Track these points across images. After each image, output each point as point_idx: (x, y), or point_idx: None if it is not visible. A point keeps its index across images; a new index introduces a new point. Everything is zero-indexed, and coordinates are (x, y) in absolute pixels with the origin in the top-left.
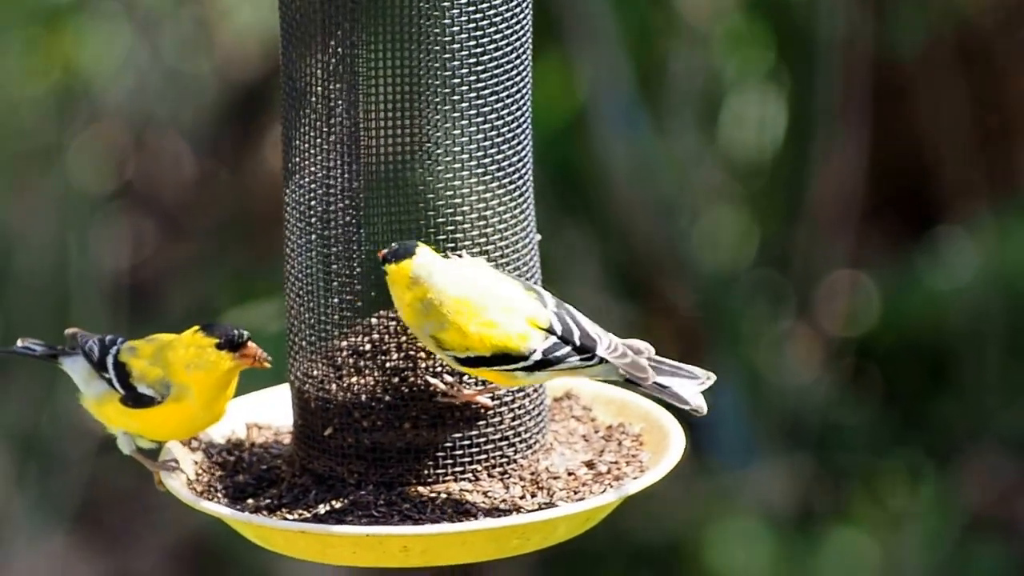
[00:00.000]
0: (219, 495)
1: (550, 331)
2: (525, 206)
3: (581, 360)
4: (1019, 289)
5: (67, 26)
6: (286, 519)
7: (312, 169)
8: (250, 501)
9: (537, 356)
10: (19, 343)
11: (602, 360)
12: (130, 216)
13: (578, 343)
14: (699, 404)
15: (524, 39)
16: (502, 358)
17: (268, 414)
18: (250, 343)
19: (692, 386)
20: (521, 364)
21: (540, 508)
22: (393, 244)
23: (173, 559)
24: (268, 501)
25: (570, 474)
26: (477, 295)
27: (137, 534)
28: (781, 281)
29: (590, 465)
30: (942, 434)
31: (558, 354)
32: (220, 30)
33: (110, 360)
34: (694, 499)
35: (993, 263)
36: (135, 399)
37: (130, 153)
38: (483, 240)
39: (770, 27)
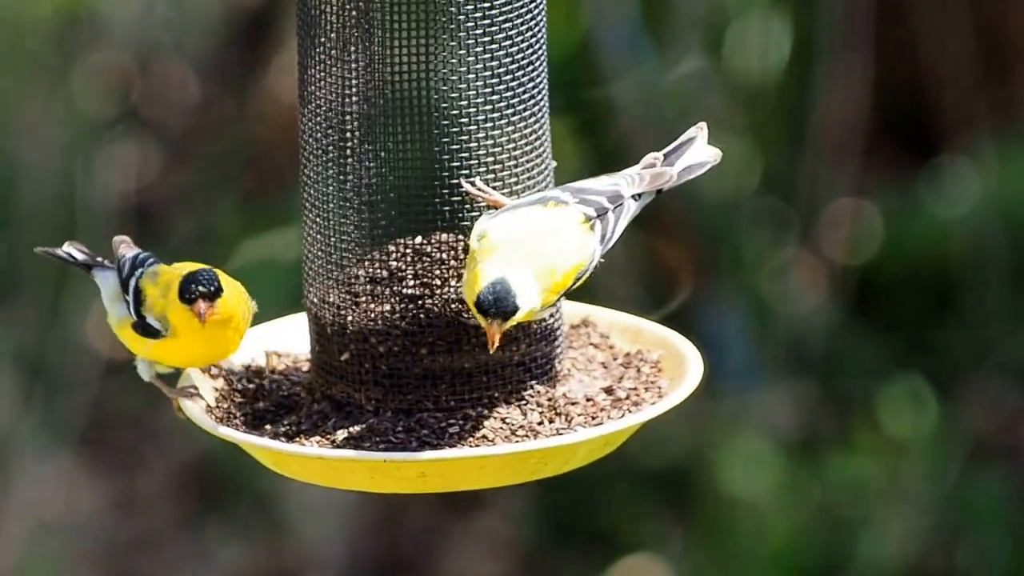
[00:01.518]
0: (238, 421)
1: (587, 218)
2: (541, 132)
3: (615, 212)
4: (1021, 217)
5: None
6: (304, 445)
7: (327, 97)
8: (268, 427)
9: (598, 251)
10: (65, 246)
11: (632, 196)
12: (135, 141)
13: (608, 205)
14: (716, 153)
15: None
16: (580, 277)
17: (288, 341)
18: (199, 302)
19: (700, 146)
20: (592, 265)
21: (558, 433)
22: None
23: (179, 482)
24: (287, 428)
25: (588, 400)
26: (542, 258)
27: (143, 456)
28: (784, 209)
29: (609, 391)
30: (945, 361)
31: (609, 231)
32: None
33: (132, 283)
34: (699, 423)
35: (995, 192)
36: (144, 328)
37: (135, 78)
38: (498, 167)
39: None
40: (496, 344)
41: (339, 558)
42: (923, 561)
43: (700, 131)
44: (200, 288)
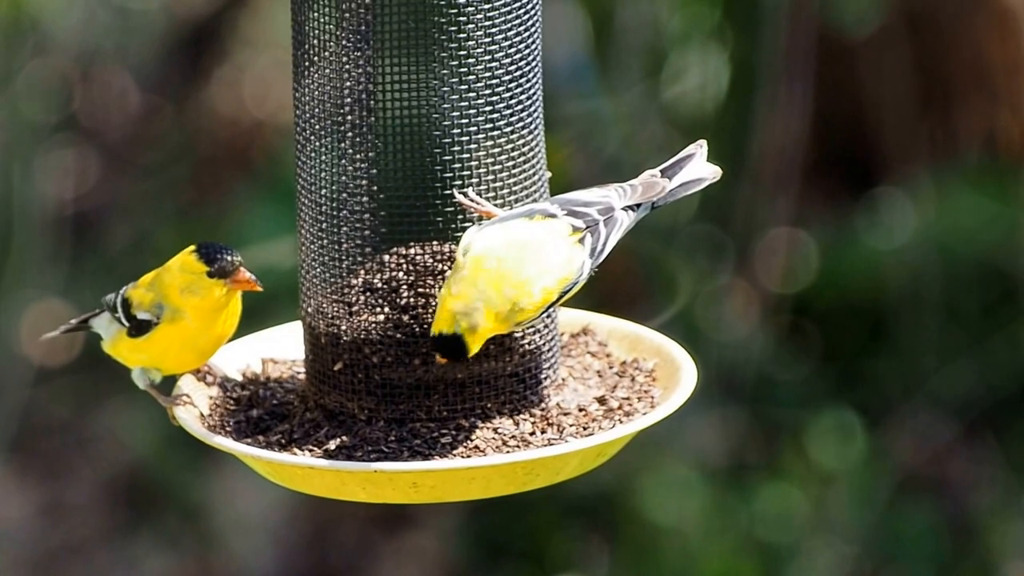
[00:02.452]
0: (231, 430)
1: (576, 230)
2: (535, 144)
3: (606, 225)
4: (956, 251)
5: None
6: (296, 454)
7: (323, 108)
8: (261, 436)
9: (588, 264)
10: (60, 328)
11: (624, 209)
12: (75, 148)
13: (598, 217)
14: (714, 171)
15: None
16: (567, 291)
17: (283, 349)
18: (241, 269)
19: (699, 163)
20: (582, 278)
21: (549, 444)
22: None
23: (108, 491)
24: (279, 436)
25: (581, 410)
26: (519, 274)
27: (72, 464)
28: (721, 236)
29: (602, 401)
30: (877, 392)
31: (599, 244)
32: None
33: (119, 300)
34: (628, 448)
35: (931, 225)
36: (137, 327)
37: (76, 86)
38: (491, 178)
39: None
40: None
41: (268, 571)
42: None
43: (700, 148)
44: (235, 258)
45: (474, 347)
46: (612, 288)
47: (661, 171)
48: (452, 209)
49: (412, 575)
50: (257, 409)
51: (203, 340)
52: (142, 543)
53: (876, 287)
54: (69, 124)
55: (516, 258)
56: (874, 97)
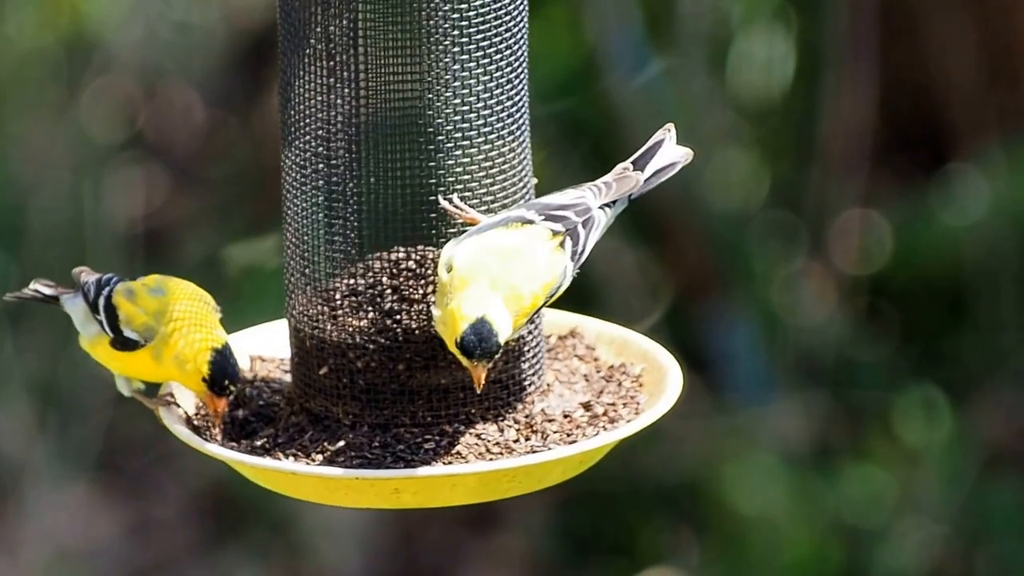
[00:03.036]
0: (216, 431)
1: (555, 234)
2: (521, 150)
3: (585, 227)
4: None
5: None
6: (279, 459)
7: (310, 113)
8: (246, 440)
9: (570, 267)
10: (31, 285)
11: (602, 207)
12: (142, 166)
13: (576, 219)
14: (686, 152)
15: None
16: (551, 295)
17: (272, 347)
18: (223, 400)
19: (669, 148)
20: (565, 282)
21: (532, 451)
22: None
23: (194, 506)
24: (264, 440)
25: (566, 416)
26: (507, 281)
27: (158, 481)
28: (794, 221)
29: (587, 407)
30: (958, 370)
31: (580, 246)
32: None
33: (102, 302)
34: (711, 437)
35: (1005, 199)
36: (122, 343)
37: (141, 103)
38: (475, 185)
39: None
40: (483, 383)
41: None
42: (940, 571)
43: (668, 132)
44: (232, 387)
45: (501, 332)
46: (684, 276)
47: (633, 162)
48: (437, 214)
49: (501, 574)
50: (243, 409)
51: (180, 378)
52: (231, 556)
53: (953, 264)
54: (136, 142)
55: (501, 267)
56: (941, 73)
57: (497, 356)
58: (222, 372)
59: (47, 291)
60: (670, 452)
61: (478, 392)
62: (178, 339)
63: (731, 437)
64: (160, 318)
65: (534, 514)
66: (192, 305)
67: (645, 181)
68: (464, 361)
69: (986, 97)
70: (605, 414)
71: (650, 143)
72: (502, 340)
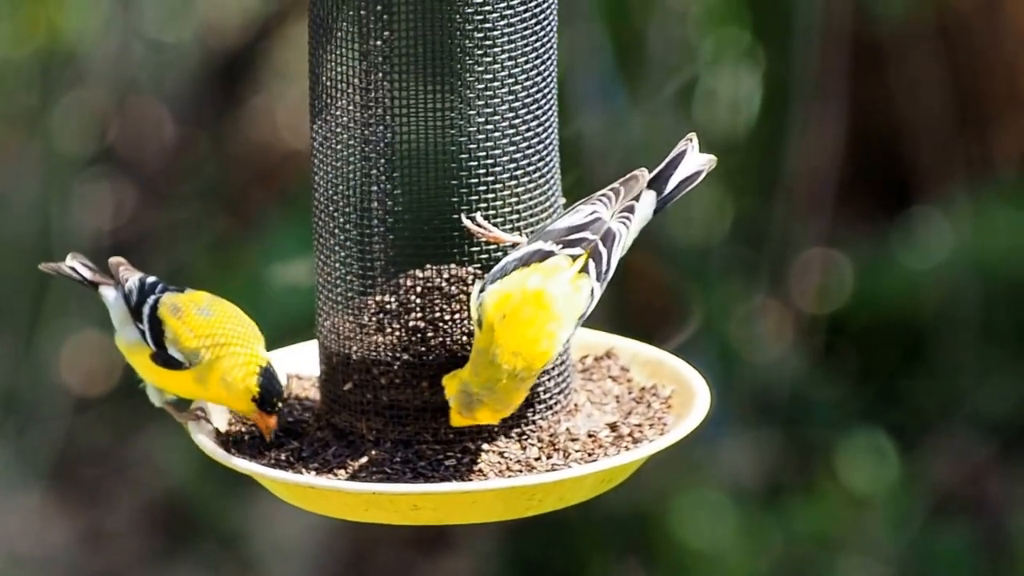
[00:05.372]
0: (244, 446)
1: (575, 258)
2: (548, 171)
3: (605, 245)
4: (993, 270)
5: None
6: (300, 473)
7: (340, 131)
8: (270, 453)
9: (596, 288)
10: (68, 260)
11: (621, 220)
12: (111, 180)
13: (593, 237)
14: (709, 159)
15: (550, 3)
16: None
17: (310, 366)
18: (272, 417)
19: (692, 156)
20: (592, 306)
21: (553, 469)
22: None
23: (148, 518)
24: (288, 454)
25: (590, 436)
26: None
27: (112, 491)
28: (755, 257)
29: (613, 427)
30: (913, 412)
31: (603, 265)
32: None
33: (146, 311)
34: (663, 470)
35: (968, 244)
36: (165, 360)
37: (112, 118)
38: (498, 203)
39: (746, 3)
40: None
41: None
42: None
43: (690, 142)
44: (279, 405)
45: (456, 420)
46: (642, 308)
47: (658, 173)
48: (462, 233)
49: None
50: None
51: (218, 397)
52: (181, 569)
53: (912, 306)
54: (105, 156)
55: (526, 318)
56: (909, 116)
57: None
58: (270, 391)
59: (86, 274)
60: (622, 483)
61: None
62: (225, 362)
63: (682, 470)
64: (207, 342)
65: (485, 539)
66: (237, 328)
67: (672, 190)
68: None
69: (954, 141)
70: (630, 435)
71: (673, 153)
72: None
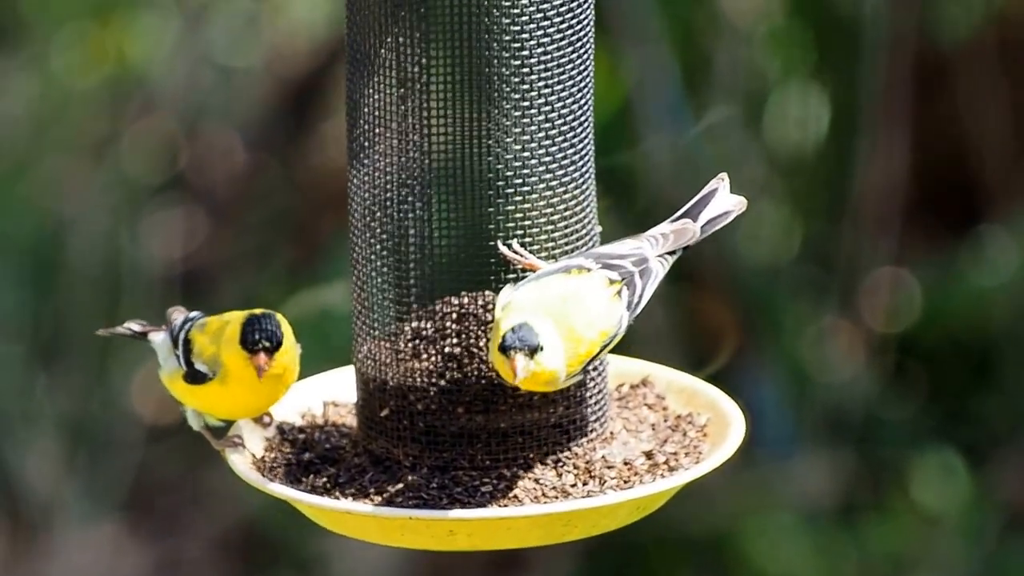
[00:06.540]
0: (280, 471)
1: (612, 282)
2: (584, 198)
3: (642, 277)
4: None
5: (118, 19)
6: (338, 499)
7: (377, 158)
8: (307, 479)
9: (626, 316)
10: (126, 324)
11: (659, 258)
12: (182, 207)
13: (632, 269)
14: (740, 201)
15: (587, 31)
16: (607, 344)
17: (346, 392)
18: (260, 354)
19: (723, 196)
20: (621, 331)
21: (588, 495)
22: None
23: (223, 546)
24: (325, 480)
25: (626, 463)
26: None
27: (187, 521)
28: (824, 277)
29: (649, 455)
30: (984, 430)
31: (635, 296)
32: (269, 25)
33: (181, 335)
34: (737, 491)
35: None
36: (192, 376)
37: (182, 145)
38: (535, 230)
39: (812, 25)
40: (521, 376)
41: None
42: None
43: (721, 181)
44: (265, 342)
45: (544, 339)
46: (711, 331)
47: (686, 211)
48: (498, 260)
49: None
50: (310, 452)
51: (253, 401)
52: None
53: (981, 324)
54: (176, 183)
55: (561, 308)
56: (974, 134)
57: (541, 361)
58: (251, 328)
59: (137, 328)
60: (696, 504)
61: (517, 386)
62: (229, 328)
63: (756, 491)
64: (218, 334)
65: (561, 560)
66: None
67: (700, 230)
68: (504, 363)
69: (1019, 158)
70: (666, 463)
71: (704, 192)
72: (543, 341)
